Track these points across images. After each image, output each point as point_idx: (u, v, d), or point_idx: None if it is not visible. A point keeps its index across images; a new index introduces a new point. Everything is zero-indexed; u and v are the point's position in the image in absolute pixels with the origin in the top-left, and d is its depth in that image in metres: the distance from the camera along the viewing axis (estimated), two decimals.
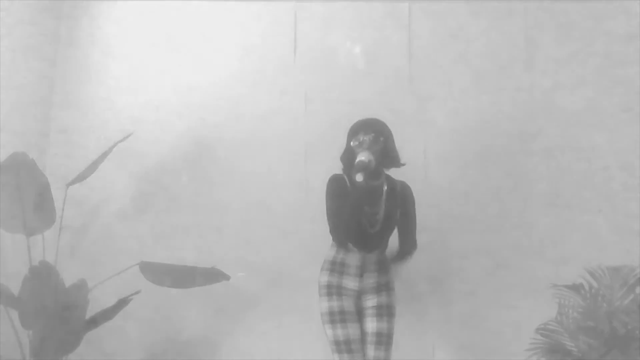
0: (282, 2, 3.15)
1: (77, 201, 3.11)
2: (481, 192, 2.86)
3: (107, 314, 2.63)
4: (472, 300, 2.81)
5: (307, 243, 2.94)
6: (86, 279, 2.82)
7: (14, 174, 2.68)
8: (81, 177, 2.81)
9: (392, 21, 3.04)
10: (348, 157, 2.27)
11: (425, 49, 3.00)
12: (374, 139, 2.23)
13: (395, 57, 3.02)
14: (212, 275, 2.65)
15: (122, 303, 2.62)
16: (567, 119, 2.83)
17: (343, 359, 2.17)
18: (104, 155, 2.85)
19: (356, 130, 2.27)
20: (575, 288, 2.41)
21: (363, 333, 2.27)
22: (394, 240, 2.42)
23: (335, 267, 2.27)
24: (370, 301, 2.27)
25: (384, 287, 2.31)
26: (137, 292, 2.63)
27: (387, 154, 2.27)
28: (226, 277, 2.64)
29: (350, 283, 2.24)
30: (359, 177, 2.06)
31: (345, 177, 2.29)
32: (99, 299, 2.76)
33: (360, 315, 2.28)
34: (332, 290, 2.24)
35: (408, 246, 2.39)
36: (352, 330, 2.20)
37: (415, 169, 2.75)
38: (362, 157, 2.10)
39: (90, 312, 2.70)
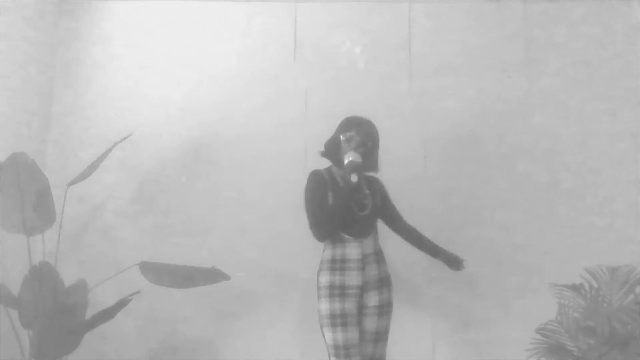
0: (282, 2, 3.15)
1: (77, 201, 3.11)
2: (480, 191, 2.86)
3: (107, 314, 2.62)
4: (472, 300, 2.81)
5: (307, 243, 2.93)
6: (86, 279, 2.82)
7: (14, 174, 2.68)
8: (81, 177, 2.81)
9: (392, 21, 3.04)
10: (335, 148, 2.30)
11: (425, 48, 3.00)
12: (363, 141, 2.27)
13: (395, 57, 3.02)
14: (212, 275, 2.65)
15: (122, 303, 2.62)
16: (567, 118, 2.83)
17: None
18: (104, 155, 2.85)
19: (349, 126, 2.29)
20: (575, 288, 2.41)
21: (361, 331, 2.25)
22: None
23: (336, 265, 2.24)
24: (373, 299, 2.25)
25: (385, 282, 2.29)
26: (137, 292, 2.63)
27: (369, 158, 2.31)
28: (226, 277, 2.63)
29: (354, 280, 2.21)
30: (354, 178, 2.12)
31: (325, 172, 2.30)
32: (99, 299, 2.76)
33: (360, 313, 2.26)
34: (335, 292, 2.20)
35: (401, 219, 2.43)
36: (352, 334, 2.18)
37: (415, 168, 2.77)
38: (354, 157, 2.16)
39: (90, 312, 2.70)
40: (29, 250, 2.71)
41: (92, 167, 2.83)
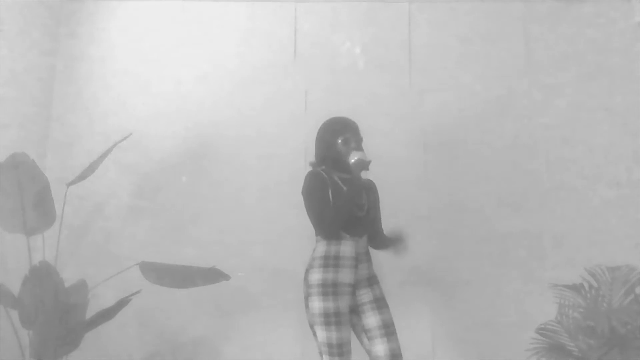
0: (282, 2, 3.15)
1: (77, 201, 3.11)
2: (480, 191, 2.86)
3: (107, 314, 2.62)
4: (472, 300, 2.81)
5: (307, 242, 2.93)
6: (86, 279, 2.82)
7: (14, 174, 2.68)
8: (81, 177, 2.81)
9: (392, 21, 3.04)
10: (333, 153, 2.29)
11: (425, 48, 3.00)
12: (359, 140, 2.31)
13: (395, 57, 3.02)
14: (212, 275, 2.65)
15: (122, 303, 2.62)
16: (567, 118, 2.83)
17: None
18: (104, 155, 2.85)
19: (342, 128, 2.30)
20: (575, 288, 2.41)
21: (366, 329, 2.24)
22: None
23: (329, 262, 2.23)
24: (366, 296, 2.25)
25: (374, 280, 2.31)
26: (137, 292, 2.63)
27: None
28: (226, 277, 2.63)
29: (346, 277, 2.21)
30: (363, 174, 2.17)
31: (323, 172, 2.30)
32: (99, 299, 2.76)
33: (354, 311, 2.25)
34: (328, 290, 2.19)
35: (380, 224, 2.41)
36: (345, 333, 2.17)
37: (414, 167, 2.76)
38: (361, 156, 2.19)
39: (90, 312, 2.70)
40: (29, 250, 2.71)
41: (92, 167, 2.83)
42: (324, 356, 2.18)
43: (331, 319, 2.16)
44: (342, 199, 2.21)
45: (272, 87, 3.12)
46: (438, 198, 2.79)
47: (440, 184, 2.88)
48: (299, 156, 3.00)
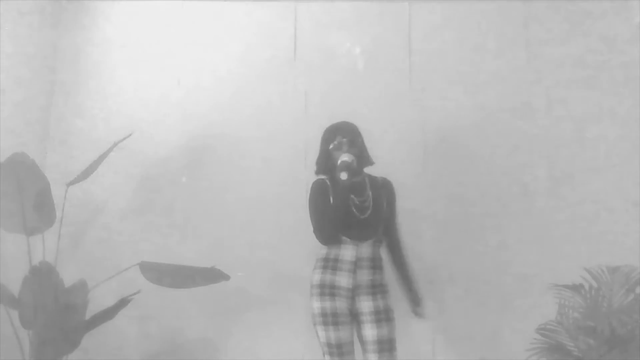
0: (282, 2, 3.15)
1: (77, 201, 3.11)
2: (480, 191, 2.86)
3: (107, 314, 2.62)
4: (471, 300, 2.81)
5: (307, 243, 2.93)
6: (86, 279, 2.81)
7: (14, 174, 2.68)
8: (81, 177, 2.81)
9: (392, 21, 3.04)
10: (325, 160, 2.33)
11: (425, 48, 3.00)
12: (351, 142, 2.30)
13: (395, 57, 3.02)
14: (212, 275, 2.65)
15: (122, 303, 2.62)
16: (567, 118, 2.83)
17: None
18: (104, 155, 2.85)
19: (333, 133, 2.33)
20: (575, 288, 2.41)
21: (362, 341, 2.24)
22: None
23: (328, 264, 2.24)
24: (366, 305, 2.23)
25: (379, 289, 2.28)
26: (137, 292, 2.63)
27: (361, 154, 2.35)
28: (226, 277, 2.63)
29: (344, 280, 2.21)
30: (344, 176, 2.15)
31: (327, 180, 2.32)
32: (99, 299, 2.76)
33: (355, 319, 2.25)
34: (325, 291, 2.21)
35: (396, 232, 2.41)
36: (344, 333, 2.18)
37: (414, 167, 2.77)
38: (345, 157, 2.20)
39: (90, 312, 2.70)
40: (29, 250, 2.71)
41: (92, 167, 2.83)
42: (325, 356, 2.19)
43: (328, 319, 2.18)
44: (329, 205, 2.22)
45: (272, 87, 3.12)
46: (437, 198, 2.79)
47: (440, 184, 2.88)
48: (299, 156, 3.00)
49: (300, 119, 3.05)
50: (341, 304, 2.20)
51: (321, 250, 2.29)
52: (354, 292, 2.22)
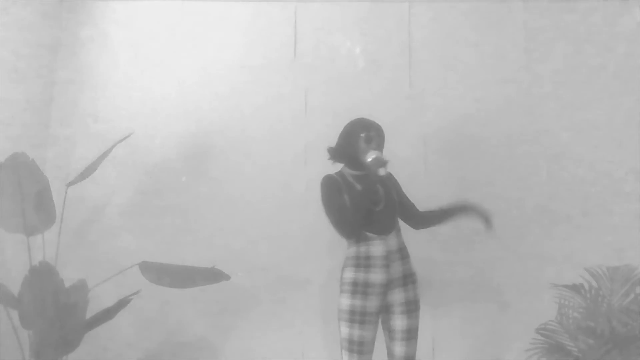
0: (282, 2, 3.15)
1: (77, 201, 3.11)
2: (480, 191, 2.86)
3: (107, 314, 2.62)
4: (472, 300, 2.81)
5: (307, 243, 2.95)
6: (86, 279, 2.81)
7: (14, 174, 2.68)
8: (81, 177, 2.81)
9: (392, 21, 3.04)
10: (352, 149, 2.29)
11: (425, 48, 3.00)
12: (381, 142, 2.31)
13: (395, 57, 3.02)
14: (212, 275, 2.65)
15: (122, 303, 2.62)
16: (567, 118, 2.83)
17: (352, 359, 2.17)
18: (104, 155, 2.85)
19: (369, 126, 2.30)
20: (575, 288, 2.41)
21: (390, 330, 2.24)
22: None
23: (361, 262, 2.22)
24: (398, 296, 2.24)
25: (410, 280, 2.28)
26: (137, 292, 2.63)
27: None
28: (226, 277, 2.63)
29: (378, 277, 2.20)
30: (382, 171, 2.16)
31: (335, 175, 2.31)
32: (99, 299, 2.76)
33: (385, 310, 2.25)
34: (358, 289, 2.19)
35: (416, 209, 2.42)
36: (369, 332, 2.18)
37: (414, 166, 2.77)
38: (378, 154, 2.19)
39: (90, 312, 2.70)
40: (29, 250, 2.71)
41: (92, 167, 2.83)
42: (343, 351, 2.19)
43: (356, 317, 2.17)
44: (355, 198, 2.21)
45: (272, 87, 3.12)
46: (438, 198, 2.77)
47: (440, 183, 2.88)
48: (299, 156, 3.01)
49: (300, 118, 3.05)
50: (372, 303, 2.19)
51: (349, 248, 2.27)
52: (387, 287, 2.23)
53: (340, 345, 2.21)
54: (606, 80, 2.81)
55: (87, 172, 2.82)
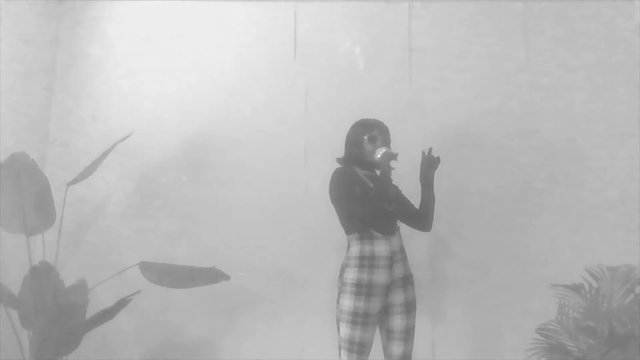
0: (282, 2, 3.15)
1: (77, 201, 3.11)
2: (480, 191, 2.86)
3: (107, 314, 2.62)
4: (471, 300, 2.81)
5: (307, 243, 2.95)
6: (86, 279, 2.82)
7: (14, 174, 2.68)
8: (81, 177, 2.81)
9: (392, 21, 3.04)
10: (358, 149, 2.30)
11: (426, 48, 3.00)
12: (386, 140, 2.31)
13: (395, 56, 3.02)
14: (212, 275, 2.65)
15: (122, 303, 2.62)
16: (567, 118, 2.83)
17: (352, 359, 2.17)
18: (104, 155, 2.85)
19: (371, 127, 2.31)
20: (575, 288, 2.41)
21: (388, 330, 2.24)
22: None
23: (365, 262, 2.21)
24: (398, 297, 2.24)
25: (409, 280, 2.29)
26: (137, 292, 2.63)
27: None
28: (226, 277, 2.63)
29: (381, 277, 2.19)
30: (394, 164, 2.16)
31: (350, 170, 2.30)
32: (99, 299, 2.76)
33: (384, 311, 2.24)
34: (362, 290, 2.18)
35: (414, 208, 2.41)
36: (369, 334, 2.18)
37: (414, 167, 2.75)
38: (387, 149, 2.20)
39: (90, 312, 2.70)
40: (29, 250, 2.71)
41: (92, 167, 2.83)
42: (342, 351, 2.19)
43: (358, 318, 2.16)
44: (371, 192, 2.19)
45: (272, 87, 3.12)
46: (437, 198, 2.78)
47: (440, 183, 2.87)
48: (299, 156, 3.01)
49: (300, 118, 3.05)
50: (374, 304, 2.19)
51: (352, 248, 2.26)
52: (388, 288, 2.23)
53: (339, 345, 2.21)
54: (606, 81, 2.81)
55: (87, 172, 2.82)
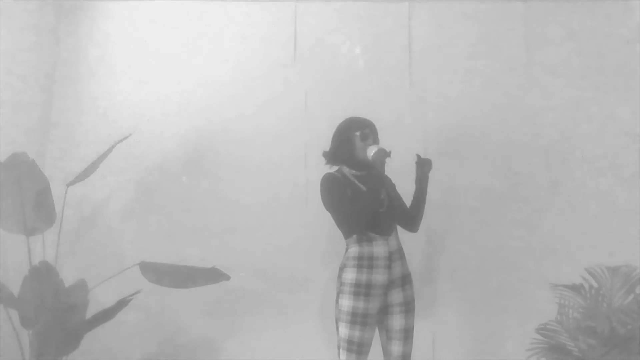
0: (282, 2, 3.15)
1: (77, 201, 3.11)
2: (480, 191, 2.86)
3: (107, 314, 2.62)
4: (471, 300, 2.81)
5: (307, 243, 2.95)
6: (86, 279, 2.82)
7: (14, 174, 2.68)
8: (81, 177, 2.81)
9: (392, 21, 3.04)
10: (348, 148, 2.29)
11: (425, 48, 3.00)
12: (376, 136, 2.31)
13: (395, 57, 3.02)
14: (212, 275, 2.65)
15: (122, 303, 2.62)
16: (567, 118, 2.83)
17: (351, 359, 2.17)
18: (104, 155, 2.85)
19: (362, 124, 2.30)
20: (575, 288, 2.41)
21: (388, 330, 2.25)
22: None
23: (363, 263, 2.21)
24: (397, 297, 2.24)
25: (408, 280, 2.29)
26: (137, 292, 2.63)
27: None
28: (226, 277, 2.63)
29: (380, 277, 2.20)
30: (387, 161, 2.15)
31: (337, 174, 2.30)
32: (99, 299, 2.76)
33: (383, 311, 2.24)
34: (360, 290, 2.18)
35: (406, 207, 2.41)
36: (368, 334, 2.18)
37: (414, 167, 2.75)
38: (381, 147, 2.17)
39: (90, 312, 2.70)
40: (29, 250, 2.71)
41: (92, 167, 2.83)
42: (341, 350, 2.19)
43: (357, 319, 2.16)
44: (364, 196, 2.19)
45: (272, 87, 3.12)
46: (437, 198, 2.79)
47: (440, 184, 2.88)
48: (299, 156, 3.01)
49: (300, 119, 3.05)
50: (373, 304, 2.19)
51: (350, 248, 2.25)
52: (387, 288, 2.23)
53: (338, 345, 2.21)
54: (606, 81, 2.81)
55: (87, 172, 2.82)
